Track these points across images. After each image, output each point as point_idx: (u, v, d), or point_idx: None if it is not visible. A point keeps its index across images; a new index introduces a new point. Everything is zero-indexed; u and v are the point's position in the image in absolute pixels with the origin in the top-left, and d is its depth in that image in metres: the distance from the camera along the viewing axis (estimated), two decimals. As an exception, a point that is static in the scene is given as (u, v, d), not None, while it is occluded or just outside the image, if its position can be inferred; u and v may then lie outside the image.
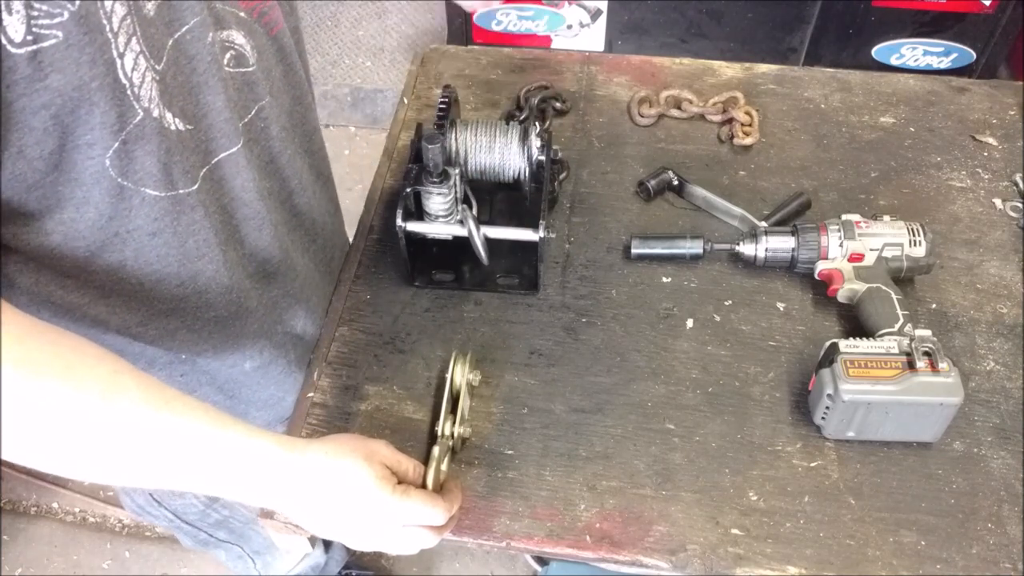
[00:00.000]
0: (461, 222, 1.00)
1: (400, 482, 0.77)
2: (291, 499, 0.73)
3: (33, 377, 0.59)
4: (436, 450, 0.83)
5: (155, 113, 0.69)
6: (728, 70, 1.39)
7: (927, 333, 0.91)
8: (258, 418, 1.06)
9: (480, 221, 0.99)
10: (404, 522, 0.77)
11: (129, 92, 0.66)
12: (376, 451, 0.77)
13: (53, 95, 0.61)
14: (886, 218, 1.05)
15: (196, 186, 0.78)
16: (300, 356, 1.05)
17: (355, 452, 0.74)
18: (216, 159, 0.81)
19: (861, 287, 1.01)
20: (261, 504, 0.74)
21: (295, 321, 1.05)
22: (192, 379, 0.95)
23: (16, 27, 0.58)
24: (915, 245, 1.03)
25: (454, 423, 0.89)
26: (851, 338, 0.91)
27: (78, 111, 0.64)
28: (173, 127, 0.73)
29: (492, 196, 1.13)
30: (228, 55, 0.80)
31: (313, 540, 0.96)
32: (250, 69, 0.83)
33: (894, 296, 0.99)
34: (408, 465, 0.80)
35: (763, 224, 1.11)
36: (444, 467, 0.85)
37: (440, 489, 0.83)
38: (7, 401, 0.58)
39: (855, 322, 1.01)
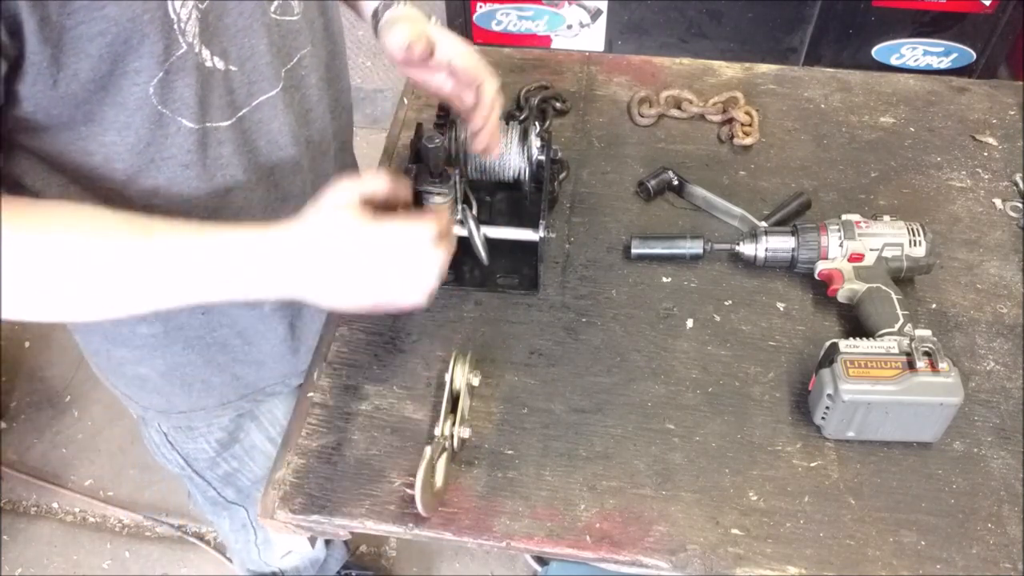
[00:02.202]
0: (461, 222, 1.00)
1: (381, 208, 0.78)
2: (291, 270, 0.73)
3: (22, 232, 0.66)
4: (428, 450, 0.83)
5: (196, 49, 0.74)
6: (728, 70, 1.39)
7: (927, 333, 0.91)
8: (275, 369, 1.08)
9: (480, 221, 0.99)
10: (395, 242, 0.74)
11: (176, 27, 0.71)
12: (337, 199, 0.75)
13: (109, 24, 0.66)
14: (886, 218, 1.05)
15: (230, 123, 0.81)
16: (316, 308, 1.05)
17: (320, 208, 0.74)
18: (256, 101, 0.84)
19: (861, 287, 1.01)
20: (266, 291, 0.74)
21: None
22: (213, 319, 0.98)
23: None
24: (915, 245, 1.03)
25: (454, 423, 0.89)
26: (851, 338, 0.91)
27: (131, 40, 0.68)
28: (210, 64, 0.77)
29: (492, 196, 1.13)
30: (275, 3, 0.83)
31: (312, 539, 0.96)
32: (295, 18, 0.86)
33: (894, 296, 0.99)
34: (370, 182, 0.78)
35: (763, 224, 1.11)
36: (441, 466, 0.85)
37: (432, 490, 0.83)
38: (8, 255, 0.64)
39: (855, 322, 1.01)
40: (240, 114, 0.83)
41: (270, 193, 0.92)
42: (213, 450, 1.16)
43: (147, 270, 0.70)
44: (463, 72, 0.95)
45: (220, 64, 0.77)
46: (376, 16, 0.98)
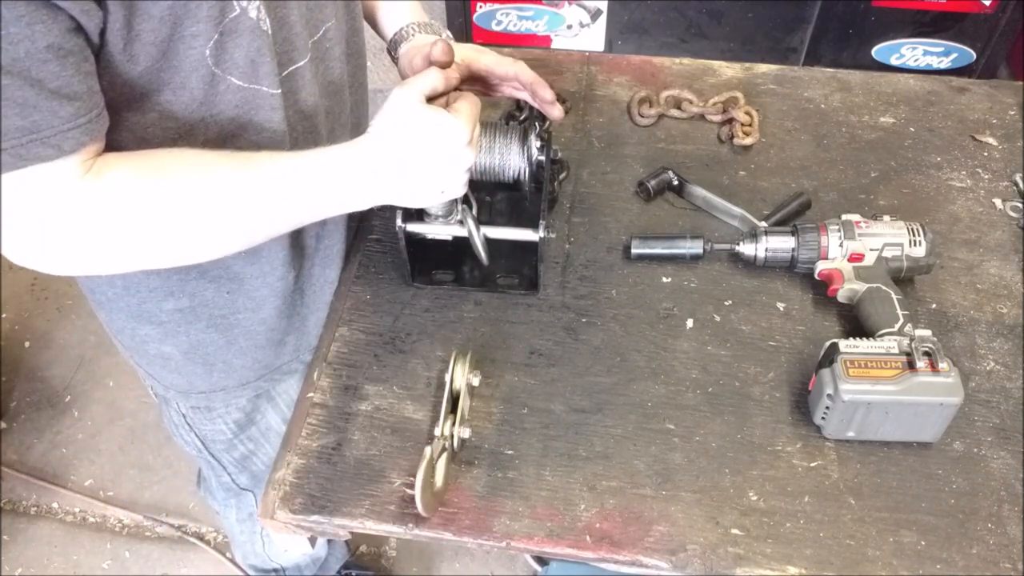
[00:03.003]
0: (461, 222, 1.00)
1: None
2: (379, 171, 0.81)
3: (144, 176, 0.74)
4: (428, 450, 0.83)
5: (252, 14, 0.77)
6: (728, 70, 1.39)
7: (927, 333, 0.91)
8: (289, 344, 1.10)
9: (480, 221, 0.99)
10: (445, 124, 0.81)
11: None
12: (404, 94, 0.81)
13: None
14: (886, 218, 1.05)
15: (279, 91, 0.84)
16: (332, 278, 1.10)
17: (385, 112, 0.81)
18: (288, 70, 0.86)
19: (861, 287, 1.01)
20: (361, 196, 0.83)
21: (337, 246, 1.09)
22: (238, 299, 0.99)
23: None
24: (915, 245, 1.03)
25: (454, 423, 0.89)
26: (851, 338, 0.91)
27: (189, 4, 0.72)
28: (263, 27, 0.79)
29: (492, 196, 1.13)
30: None
31: (313, 539, 0.96)
32: None
33: (894, 296, 0.99)
34: (426, 79, 0.83)
35: (763, 224, 1.11)
36: (441, 466, 0.85)
37: (432, 490, 0.83)
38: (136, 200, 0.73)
39: (855, 322, 1.01)
40: (279, 79, 0.85)
41: None
42: (231, 431, 1.17)
43: (256, 194, 0.77)
44: (488, 74, 1.03)
45: (270, 29, 0.80)
46: (393, 50, 1.06)
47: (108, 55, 0.71)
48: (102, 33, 0.69)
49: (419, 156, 0.80)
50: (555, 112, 1.05)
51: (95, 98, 0.70)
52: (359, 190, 0.82)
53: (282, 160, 0.79)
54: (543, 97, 1.04)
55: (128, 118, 0.78)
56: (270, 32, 0.80)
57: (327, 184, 0.80)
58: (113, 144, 0.78)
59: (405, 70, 1.03)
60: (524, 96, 1.09)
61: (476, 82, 1.08)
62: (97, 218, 0.72)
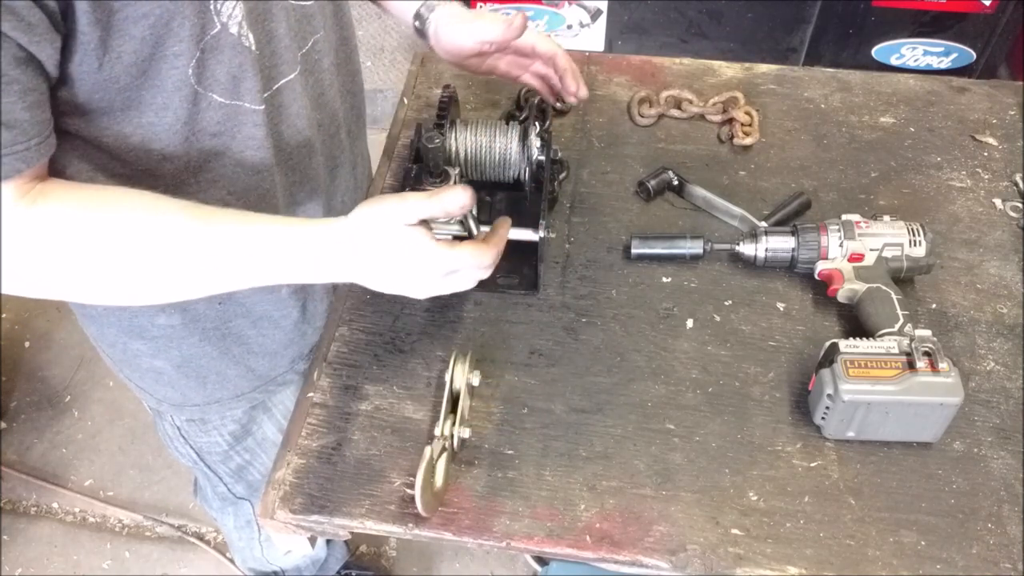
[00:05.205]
0: (461, 222, 1.00)
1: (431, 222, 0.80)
2: (344, 262, 0.77)
3: (86, 211, 0.71)
4: (428, 450, 0.83)
5: (233, 30, 0.76)
6: (728, 70, 1.39)
7: (927, 333, 0.91)
8: (285, 356, 1.10)
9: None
10: (452, 269, 0.79)
11: (212, 8, 0.74)
12: (398, 211, 0.76)
13: (153, 6, 0.69)
14: (886, 218, 1.05)
15: (262, 107, 0.84)
16: (325, 289, 1.09)
17: (376, 213, 0.76)
18: (277, 85, 0.86)
19: (861, 287, 1.01)
20: (317, 277, 0.80)
21: None
22: (229, 309, 0.99)
23: None
24: (915, 245, 1.03)
25: (454, 423, 0.89)
26: (851, 338, 0.91)
27: (171, 23, 0.71)
28: (246, 43, 0.79)
29: (492, 196, 1.13)
30: None
31: (313, 539, 0.96)
32: (309, 3, 0.89)
33: (894, 296, 0.99)
34: (432, 203, 0.76)
35: (763, 224, 1.11)
36: (441, 466, 0.85)
37: (432, 490, 0.83)
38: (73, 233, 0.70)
39: (855, 322, 1.01)
40: (265, 96, 0.85)
41: (288, 177, 0.94)
42: (226, 443, 1.17)
43: (206, 253, 0.74)
44: (529, 50, 1.03)
45: (254, 46, 0.80)
46: (420, 23, 1.05)
47: (83, 76, 0.70)
48: (69, 57, 0.68)
49: (387, 269, 0.78)
50: (570, 98, 1.06)
51: (39, 126, 0.69)
52: (315, 272, 0.78)
53: (243, 222, 0.75)
54: (566, 86, 1.04)
55: (108, 144, 0.77)
56: (253, 48, 0.80)
57: (284, 258, 0.76)
58: (97, 168, 0.77)
59: (450, 44, 1.02)
60: (548, 78, 1.09)
61: (513, 55, 1.08)
62: (28, 245, 0.69)
